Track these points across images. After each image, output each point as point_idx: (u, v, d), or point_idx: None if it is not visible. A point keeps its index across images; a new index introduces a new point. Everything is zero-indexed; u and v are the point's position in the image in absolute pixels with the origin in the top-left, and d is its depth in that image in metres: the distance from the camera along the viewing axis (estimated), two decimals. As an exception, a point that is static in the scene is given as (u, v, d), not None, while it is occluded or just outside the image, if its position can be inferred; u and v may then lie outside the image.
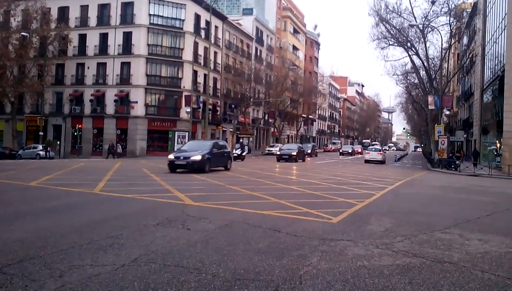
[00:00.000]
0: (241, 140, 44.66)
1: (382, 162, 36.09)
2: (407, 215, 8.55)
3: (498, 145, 29.75)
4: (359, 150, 62.05)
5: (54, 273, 4.15)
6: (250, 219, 7.30)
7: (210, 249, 5.17)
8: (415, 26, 32.83)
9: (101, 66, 41.33)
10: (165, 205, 8.72)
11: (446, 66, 38.27)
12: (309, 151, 43.27)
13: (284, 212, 8.15)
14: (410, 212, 8.96)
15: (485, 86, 35.63)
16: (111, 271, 4.24)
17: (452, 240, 6.16)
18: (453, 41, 35.23)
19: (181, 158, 17.98)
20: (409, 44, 33.96)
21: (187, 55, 41.26)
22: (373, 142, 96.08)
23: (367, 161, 36.26)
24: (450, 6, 31.24)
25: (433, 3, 31.40)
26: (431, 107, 34.00)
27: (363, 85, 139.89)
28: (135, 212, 7.78)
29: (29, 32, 36.68)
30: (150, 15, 40.32)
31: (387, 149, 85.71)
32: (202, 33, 42.47)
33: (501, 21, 29.25)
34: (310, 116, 72.64)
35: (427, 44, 33.86)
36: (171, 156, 18.45)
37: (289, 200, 9.84)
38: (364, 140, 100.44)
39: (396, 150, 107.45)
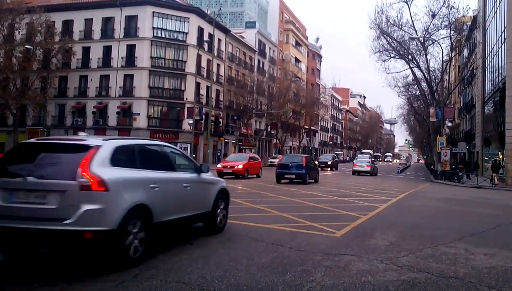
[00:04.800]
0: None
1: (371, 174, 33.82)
2: (411, 228, 8.45)
3: (501, 157, 29.61)
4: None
5: (53, 289, 4.08)
6: (252, 232, 7.23)
7: (212, 264, 5.09)
8: (416, 39, 33.04)
9: (104, 79, 41.58)
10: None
11: (447, 78, 38.35)
12: (329, 162, 41.71)
13: (286, 225, 8.08)
14: (414, 225, 8.86)
15: (486, 98, 35.64)
16: (111, 287, 4.18)
17: (457, 254, 6.07)
18: (453, 54, 35.43)
19: None
20: (410, 56, 34.14)
21: (190, 67, 41.51)
22: (364, 151, 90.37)
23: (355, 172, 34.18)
24: (450, 20, 31.48)
25: (433, 16, 31.66)
26: (432, 119, 33.99)
27: (365, 97, 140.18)
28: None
29: (33, 45, 36.98)
30: (153, 28, 40.71)
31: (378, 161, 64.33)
32: (205, 45, 42.80)
33: (501, 34, 29.40)
34: (313, 128, 72.61)
35: (428, 57, 34.05)
36: None
37: (291, 213, 9.76)
38: (363, 150, 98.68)
39: (404, 160, 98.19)
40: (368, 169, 34.05)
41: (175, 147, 7.05)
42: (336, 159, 42.95)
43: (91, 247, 4.69)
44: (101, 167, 4.78)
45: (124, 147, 5.47)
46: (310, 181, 21.24)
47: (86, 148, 4.90)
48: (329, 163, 41.43)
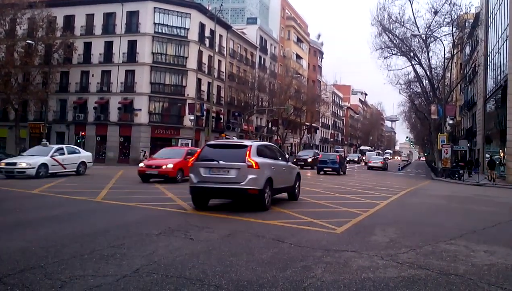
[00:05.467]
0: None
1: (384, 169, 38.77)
2: (412, 225, 8.46)
3: (502, 154, 29.58)
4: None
5: (55, 283, 4.11)
6: (253, 228, 7.25)
7: (213, 260, 5.11)
8: (418, 36, 32.94)
9: (106, 74, 41.56)
10: (168, 214, 8.67)
11: (449, 76, 38.26)
12: (309, 160, 36.78)
13: (287, 221, 8.10)
14: (415, 222, 8.87)
15: (488, 96, 35.55)
16: (112, 282, 4.19)
17: (458, 252, 6.08)
18: (455, 51, 35.40)
19: None
20: (412, 53, 34.06)
21: (191, 63, 41.46)
22: (362, 148, 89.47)
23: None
24: (452, 17, 31.38)
25: (435, 13, 31.57)
26: (434, 116, 33.96)
27: (366, 94, 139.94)
28: (137, 221, 7.74)
29: (35, 40, 36.96)
30: (155, 24, 40.62)
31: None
32: (207, 42, 42.71)
33: (503, 32, 29.29)
34: (313, 125, 72.55)
35: (430, 54, 33.97)
36: None
37: (292, 209, 9.78)
38: (361, 148, 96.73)
39: (406, 157, 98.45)
40: (381, 164, 41.26)
41: (276, 146, 11.87)
42: (318, 155, 36.20)
43: (250, 198, 9.07)
44: (254, 156, 9.04)
45: (260, 145, 9.84)
46: (341, 173, 27.79)
47: (245, 146, 9.22)
48: (309, 160, 35.56)
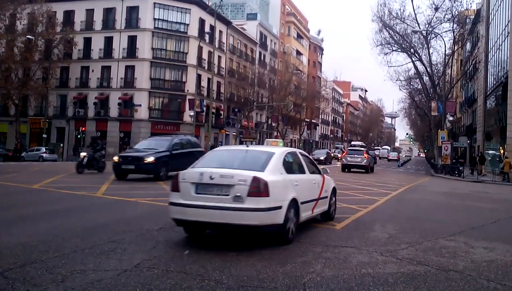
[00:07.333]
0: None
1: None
2: (411, 221, 8.49)
3: (502, 151, 29.60)
4: None
5: (56, 278, 4.13)
6: (253, 224, 7.25)
7: (213, 255, 5.13)
8: (418, 33, 32.82)
9: (106, 70, 41.50)
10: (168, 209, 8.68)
11: (450, 72, 38.19)
12: (322, 158, 37.17)
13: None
14: (414, 219, 8.89)
15: (488, 93, 35.53)
16: (113, 276, 4.22)
17: (457, 248, 6.10)
18: (456, 47, 35.20)
19: None
20: (412, 50, 33.93)
21: (191, 59, 41.38)
22: (354, 143, 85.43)
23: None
24: (453, 13, 31.20)
25: (436, 9, 31.40)
26: (434, 113, 33.94)
27: (366, 90, 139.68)
28: (138, 216, 7.77)
29: (35, 35, 36.90)
30: (155, 19, 40.52)
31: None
32: (207, 37, 42.61)
33: (504, 28, 29.24)
34: (313, 121, 72.50)
35: (431, 50, 33.80)
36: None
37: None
38: (353, 143, 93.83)
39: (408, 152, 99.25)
40: (397, 158, 58.58)
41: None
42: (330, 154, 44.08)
43: (365, 168, 26.04)
44: (365, 154, 27.13)
45: (366, 149, 33.53)
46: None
47: (362, 150, 28.91)
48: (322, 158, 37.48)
